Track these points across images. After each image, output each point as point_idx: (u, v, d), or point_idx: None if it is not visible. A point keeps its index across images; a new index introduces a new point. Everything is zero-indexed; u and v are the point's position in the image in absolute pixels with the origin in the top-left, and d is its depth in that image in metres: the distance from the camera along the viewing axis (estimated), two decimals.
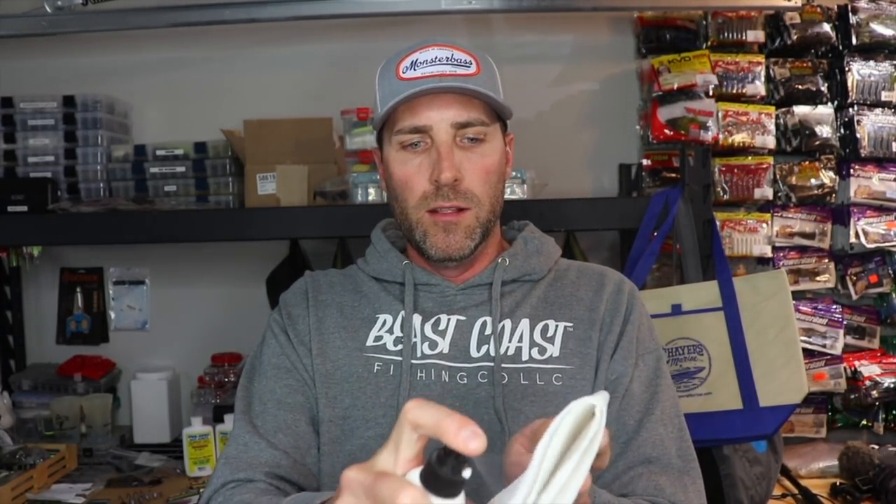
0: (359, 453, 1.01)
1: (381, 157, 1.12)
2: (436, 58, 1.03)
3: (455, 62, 1.03)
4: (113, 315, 2.47)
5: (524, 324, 1.07)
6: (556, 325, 1.07)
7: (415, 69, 1.03)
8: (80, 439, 2.21)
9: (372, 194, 1.94)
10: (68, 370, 2.35)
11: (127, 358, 2.45)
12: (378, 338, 1.08)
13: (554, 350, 1.05)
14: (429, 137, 1.03)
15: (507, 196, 1.93)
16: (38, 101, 2.21)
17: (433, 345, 1.06)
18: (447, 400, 1.01)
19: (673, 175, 2.21)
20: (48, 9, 2.11)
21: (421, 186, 1.04)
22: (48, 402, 2.26)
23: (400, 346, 1.06)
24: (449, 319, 1.07)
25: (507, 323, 1.07)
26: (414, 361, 1.05)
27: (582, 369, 1.04)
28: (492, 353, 1.04)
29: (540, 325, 1.07)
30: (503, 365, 1.04)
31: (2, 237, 2.07)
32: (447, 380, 1.03)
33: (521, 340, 1.06)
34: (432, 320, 1.08)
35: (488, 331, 1.06)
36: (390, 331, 1.08)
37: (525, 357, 1.05)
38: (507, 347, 1.05)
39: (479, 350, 1.05)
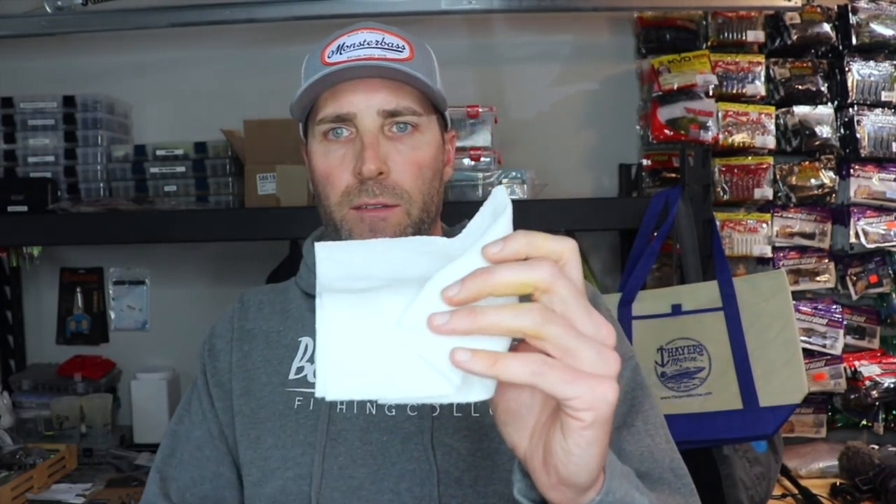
0: (278, 496, 0.92)
1: (307, 151, 1.01)
2: (364, 41, 0.93)
3: (385, 46, 0.93)
4: (113, 315, 2.47)
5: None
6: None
7: (341, 53, 0.93)
8: (80, 439, 2.21)
9: None
10: (68, 370, 2.35)
11: (127, 358, 2.45)
12: (300, 369, 0.97)
13: None
14: (353, 126, 0.92)
15: (514, 198, 1.93)
16: (38, 101, 2.21)
17: None
18: (373, 434, 0.92)
19: (673, 175, 2.21)
20: (48, 9, 2.12)
21: (343, 181, 0.92)
22: (48, 402, 2.26)
23: None
24: None
25: None
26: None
27: None
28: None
29: None
30: None
31: (2, 237, 2.07)
32: (373, 412, 0.92)
33: None
34: None
35: None
36: (311, 359, 0.97)
37: None
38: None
39: None
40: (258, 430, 0.96)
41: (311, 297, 1.00)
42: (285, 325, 1.01)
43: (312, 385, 0.94)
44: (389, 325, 0.54)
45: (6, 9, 2.21)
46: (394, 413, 0.92)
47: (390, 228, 0.92)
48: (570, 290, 0.53)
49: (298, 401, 0.95)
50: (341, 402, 0.92)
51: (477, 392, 0.55)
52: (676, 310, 1.70)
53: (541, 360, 0.52)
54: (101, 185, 2.19)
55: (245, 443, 0.96)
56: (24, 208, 2.08)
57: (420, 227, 0.94)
